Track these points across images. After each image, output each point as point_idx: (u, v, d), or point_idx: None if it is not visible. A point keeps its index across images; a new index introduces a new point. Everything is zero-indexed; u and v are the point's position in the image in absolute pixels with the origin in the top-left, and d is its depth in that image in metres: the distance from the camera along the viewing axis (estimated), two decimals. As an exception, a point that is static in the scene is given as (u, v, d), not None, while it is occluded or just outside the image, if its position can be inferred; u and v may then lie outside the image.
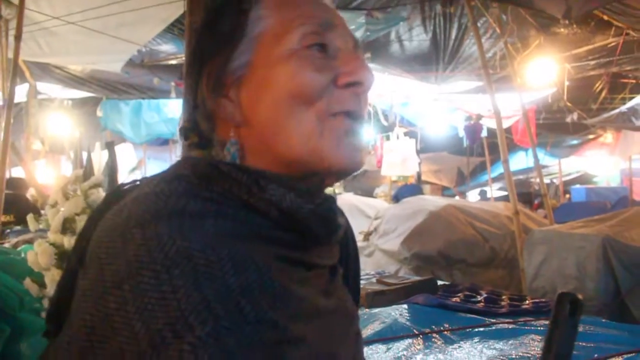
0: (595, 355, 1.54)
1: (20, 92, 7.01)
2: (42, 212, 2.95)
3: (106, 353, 0.51)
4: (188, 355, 0.48)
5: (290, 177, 0.64)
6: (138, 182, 0.66)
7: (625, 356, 1.53)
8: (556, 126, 8.85)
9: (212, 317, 0.50)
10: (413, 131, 9.19)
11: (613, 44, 5.46)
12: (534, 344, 1.66)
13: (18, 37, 3.14)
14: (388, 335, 1.76)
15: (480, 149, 9.31)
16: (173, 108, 7.14)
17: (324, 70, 0.65)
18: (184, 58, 5.07)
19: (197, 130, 0.70)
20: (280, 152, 0.65)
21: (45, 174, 7.54)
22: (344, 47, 0.68)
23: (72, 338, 0.55)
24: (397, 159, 8.75)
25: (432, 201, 5.72)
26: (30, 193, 5.75)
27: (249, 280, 0.53)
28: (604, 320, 2.06)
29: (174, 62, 6.43)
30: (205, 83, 0.68)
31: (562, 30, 5.26)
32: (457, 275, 4.70)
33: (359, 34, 4.80)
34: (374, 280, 2.57)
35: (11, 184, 5.05)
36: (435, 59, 5.73)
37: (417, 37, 5.47)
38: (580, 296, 0.59)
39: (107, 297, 0.52)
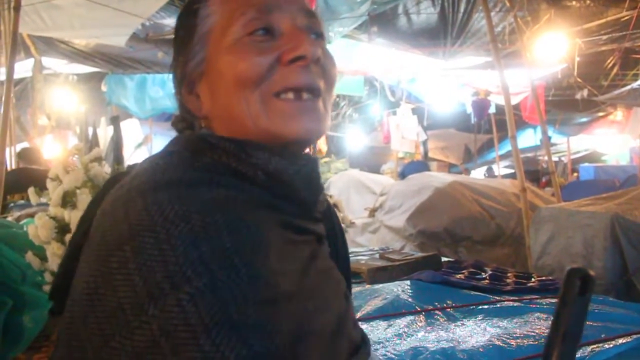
0: (603, 335, 1.51)
1: (26, 67, 6.98)
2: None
3: (106, 310, 0.53)
4: (186, 303, 0.51)
5: (273, 144, 0.68)
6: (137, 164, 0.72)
7: (634, 336, 1.49)
8: (565, 103, 8.75)
9: (208, 271, 0.53)
10: (420, 107, 9.11)
11: (626, 17, 5.32)
12: (539, 323, 1.63)
13: (17, 8, 3.09)
14: (389, 312, 1.74)
15: (488, 126, 9.25)
16: (178, 83, 7.08)
17: (265, 52, 0.69)
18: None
19: (185, 121, 0.77)
20: (240, 136, 0.69)
21: (53, 150, 7.52)
22: (289, 25, 0.71)
23: (75, 302, 0.57)
24: (407, 135, 8.73)
25: (438, 178, 5.66)
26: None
27: (242, 239, 0.56)
28: (611, 299, 2.03)
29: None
30: (180, 83, 0.75)
31: (573, 3, 5.15)
32: (463, 253, 4.68)
33: (364, 7, 4.70)
34: (376, 256, 2.54)
35: (24, 156, 4.89)
36: (443, 33, 5.62)
37: (424, 11, 5.36)
38: (591, 272, 0.55)
39: (109, 258, 0.55)
